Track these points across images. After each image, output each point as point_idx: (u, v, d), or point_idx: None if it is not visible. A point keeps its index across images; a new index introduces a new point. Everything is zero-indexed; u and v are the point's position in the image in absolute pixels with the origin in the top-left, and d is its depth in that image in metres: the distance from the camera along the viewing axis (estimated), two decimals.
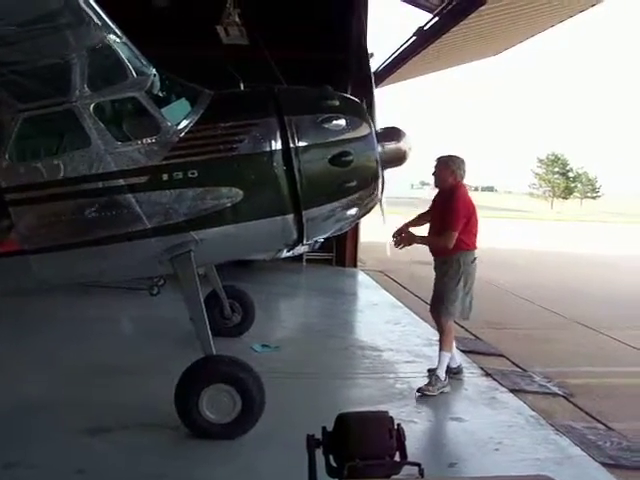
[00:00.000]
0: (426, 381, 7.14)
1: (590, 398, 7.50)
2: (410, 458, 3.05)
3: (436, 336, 9.40)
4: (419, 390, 7.02)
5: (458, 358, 7.83)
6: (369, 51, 16.15)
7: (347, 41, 15.59)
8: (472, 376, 7.83)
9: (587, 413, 7.00)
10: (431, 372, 7.25)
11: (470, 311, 7.41)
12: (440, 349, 7.27)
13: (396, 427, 3.19)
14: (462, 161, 7.30)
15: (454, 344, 7.70)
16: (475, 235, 7.24)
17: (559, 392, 7.64)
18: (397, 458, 3.14)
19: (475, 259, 7.28)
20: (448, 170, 7.22)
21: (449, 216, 7.04)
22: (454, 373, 7.57)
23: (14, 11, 4.29)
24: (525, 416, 6.50)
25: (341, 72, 14.83)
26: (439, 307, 7.32)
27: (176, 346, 7.93)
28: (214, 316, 8.43)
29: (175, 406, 5.47)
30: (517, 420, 6.39)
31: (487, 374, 7.88)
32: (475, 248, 7.27)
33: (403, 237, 7.25)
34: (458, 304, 7.22)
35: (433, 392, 6.97)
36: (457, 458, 5.51)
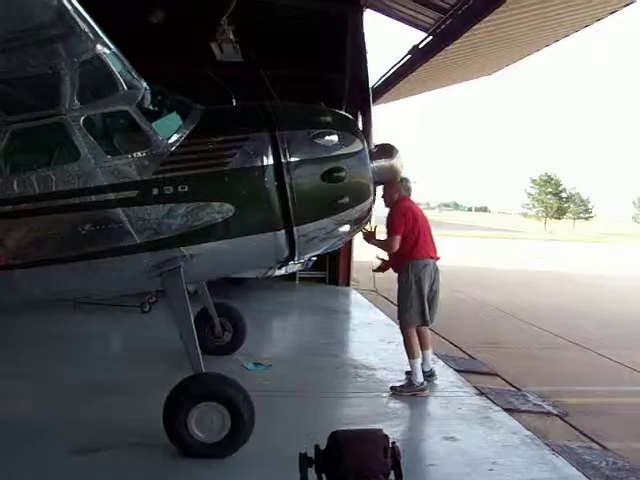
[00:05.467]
0: (416, 397, 7.51)
1: (585, 417, 7.42)
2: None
3: (430, 355, 9.36)
4: (392, 388, 7.63)
5: (430, 362, 8.17)
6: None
7: (342, 60, 15.63)
8: (466, 395, 7.75)
9: (582, 433, 6.92)
10: (408, 375, 7.81)
11: (433, 316, 7.83)
12: (408, 358, 7.76)
13: (391, 445, 3.13)
14: (406, 179, 7.84)
15: (430, 349, 8.13)
16: (421, 244, 7.72)
17: (554, 411, 7.56)
18: (392, 477, 3.07)
19: (426, 265, 7.70)
20: (393, 188, 7.70)
21: (390, 224, 7.73)
22: (428, 376, 7.94)
23: (3, 21, 4.24)
24: (520, 436, 6.41)
25: (335, 90, 14.83)
26: (399, 316, 7.90)
27: (166, 364, 7.81)
28: (205, 334, 8.38)
29: (163, 425, 5.36)
30: (512, 440, 6.30)
31: (481, 393, 7.79)
32: (425, 256, 7.74)
33: (369, 234, 7.76)
34: (414, 311, 7.66)
35: (406, 394, 7.53)
36: (451, 478, 5.40)
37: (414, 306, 7.66)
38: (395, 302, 8.30)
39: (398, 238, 7.63)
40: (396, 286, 7.95)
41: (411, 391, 7.57)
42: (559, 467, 5.71)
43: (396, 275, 7.99)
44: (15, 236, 5.69)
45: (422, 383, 7.64)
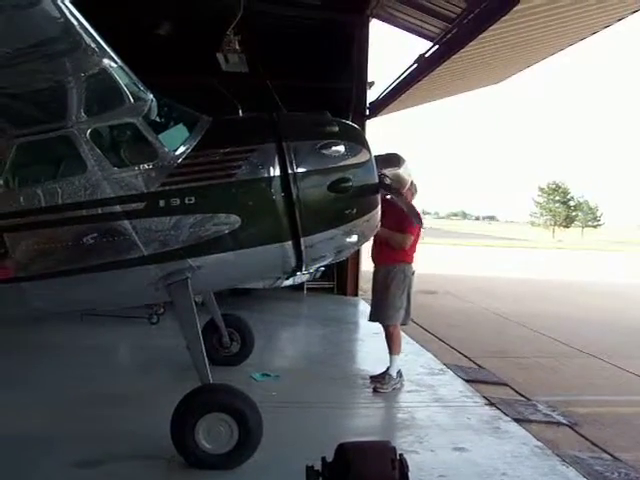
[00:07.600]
0: (425, 408, 7.41)
1: (596, 427, 7.37)
2: None
3: (439, 365, 9.34)
4: (374, 389, 7.93)
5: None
6: (369, 80, 16.32)
7: (348, 70, 15.66)
8: (475, 405, 7.70)
9: (593, 443, 6.87)
10: (383, 373, 8.12)
11: (409, 318, 8.29)
12: (390, 353, 8.16)
13: (399, 457, 3.11)
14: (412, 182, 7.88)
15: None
16: (413, 251, 8.12)
17: (564, 421, 7.51)
18: None
19: (414, 272, 8.17)
20: (410, 190, 7.79)
21: (407, 223, 7.53)
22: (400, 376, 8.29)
23: (11, 36, 4.25)
24: (530, 446, 6.35)
25: (342, 100, 14.86)
26: (385, 314, 8.11)
27: (174, 375, 7.82)
28: (213, 345, 8.39)
29: (171, 436, 5.34)
30: (522, 450, 6.24)
31: (491, 403, 7.73)
32: (412, 262, 8.16)
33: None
34: (403, 310, 8.08)
35: (387, 390, 7.92)
36: None
37: (403, 306, 8.05)
38: None
39: (411, 239, 7.85)
40: None
41: (391, 386, 7.95)
42: (570, 478, 5.64)
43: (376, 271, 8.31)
44: (22, 248, 5.69)
45: (397, 377, 8.07)
